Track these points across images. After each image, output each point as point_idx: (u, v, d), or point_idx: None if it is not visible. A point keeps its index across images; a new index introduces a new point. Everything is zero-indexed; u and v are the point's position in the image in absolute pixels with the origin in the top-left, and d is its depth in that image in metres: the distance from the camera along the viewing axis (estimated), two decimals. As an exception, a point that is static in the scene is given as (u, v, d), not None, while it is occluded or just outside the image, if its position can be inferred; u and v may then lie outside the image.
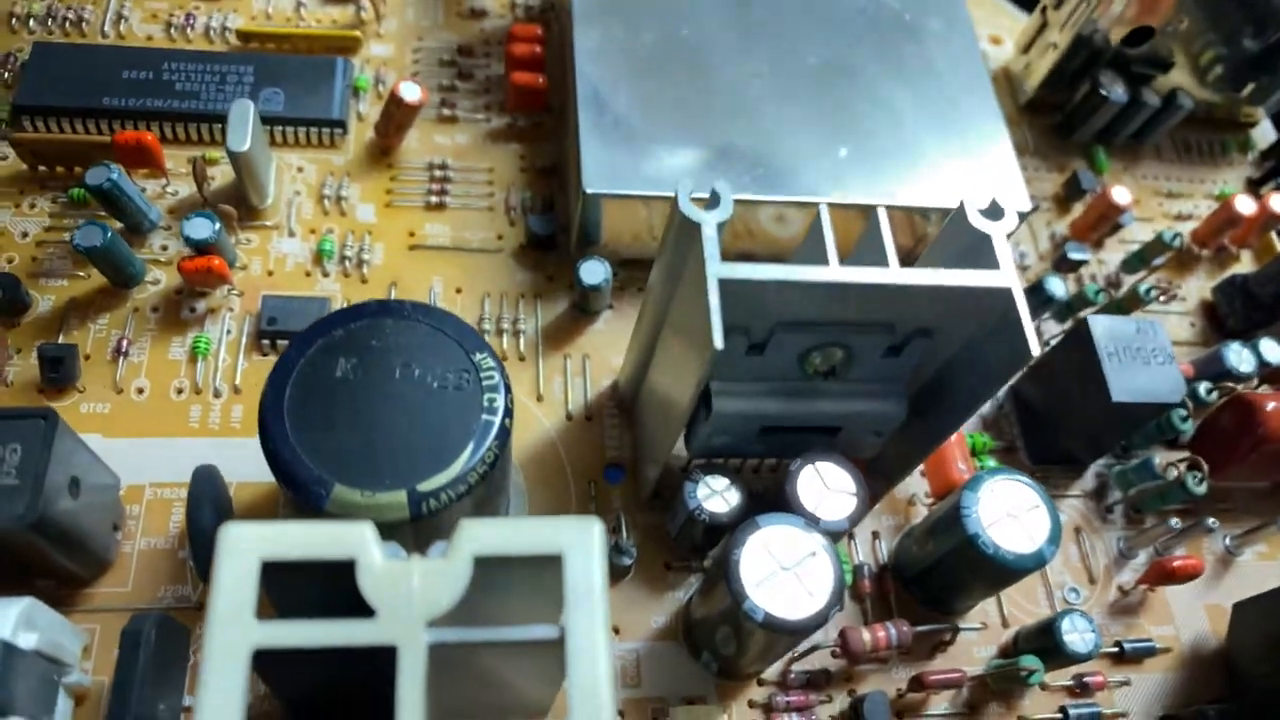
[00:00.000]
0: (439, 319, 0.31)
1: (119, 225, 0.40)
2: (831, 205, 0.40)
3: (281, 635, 0.22)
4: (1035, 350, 0.29)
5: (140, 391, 0.38)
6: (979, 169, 0.42)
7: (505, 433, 0.30)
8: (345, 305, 0.40)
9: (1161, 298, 0.47)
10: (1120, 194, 0.46)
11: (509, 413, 0.30)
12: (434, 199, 0.43)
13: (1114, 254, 0.48)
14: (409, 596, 0.22)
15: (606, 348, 0.41)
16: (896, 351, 0.33)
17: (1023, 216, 0.42)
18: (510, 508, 0.37)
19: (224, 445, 0.37)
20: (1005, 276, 0.30)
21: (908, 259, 0.44)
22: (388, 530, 0.29)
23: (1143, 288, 0.43)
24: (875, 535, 0.39)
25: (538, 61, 0.45)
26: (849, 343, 0.32)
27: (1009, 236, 0.31)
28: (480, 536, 0.23)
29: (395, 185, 0.44)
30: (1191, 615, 0.40)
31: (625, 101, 0.41)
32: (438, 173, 0.44)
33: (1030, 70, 0.51)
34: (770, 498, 0.35)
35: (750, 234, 0.43)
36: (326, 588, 0.23)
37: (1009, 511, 0.34)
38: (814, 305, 0.30)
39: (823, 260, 0.30)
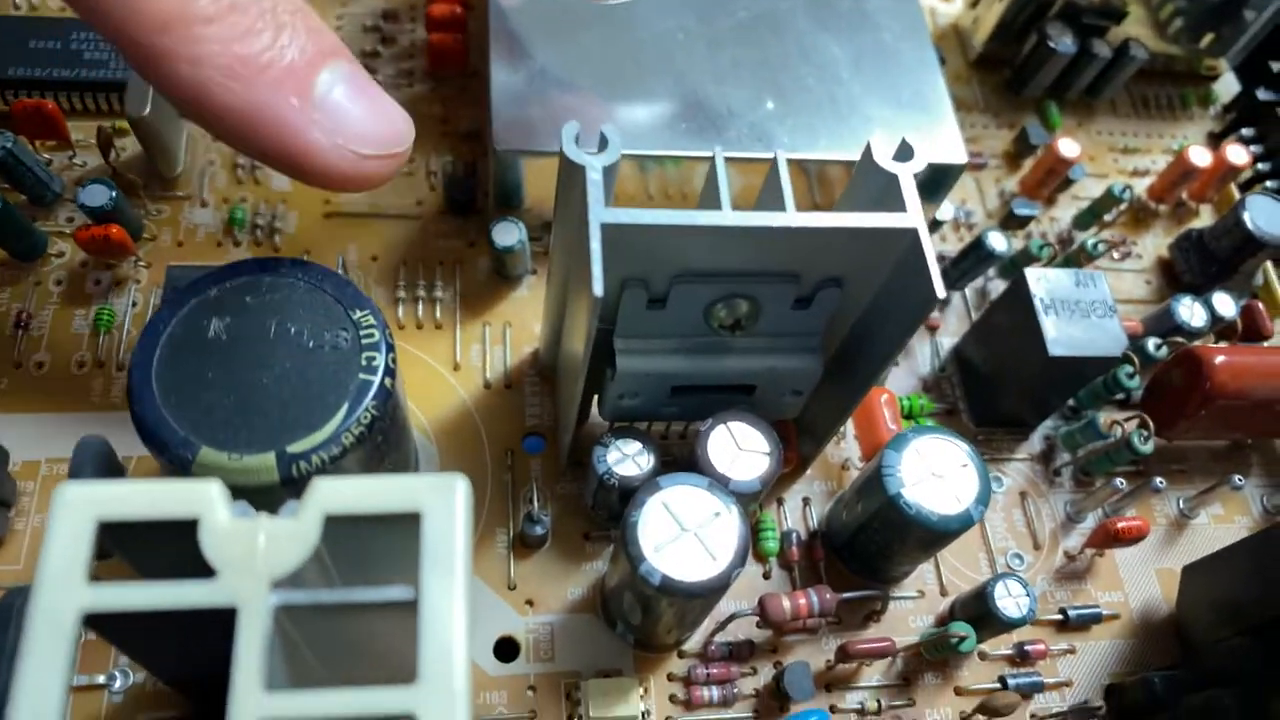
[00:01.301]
0: (317, 276, 0.30)
1: (22, 197, 0.39)
2: (747, 160, 0.38)
3: (113, 598, 0.20)
4: (940, 292, 0.27)
5: (40, 365, 0.36)
6: (915, 120, 0.41)
7: (385, 393, 0.28)
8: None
9: (1115, 253, 0.45)
10: (1068, 147, 0.44)
11: (390, 372, 0.29)
12: (352, 166, 0.42)
13: (1066, 210, 0.47)
14: (253, 556, 0.21)
15: (529, 314, 0.40)
16: (806, 303, 0.31)
17: (960, 170, 0.40)
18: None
19: (124, 420, 0.36)
20: (910, 217, 0.28)
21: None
22: (262, 495, 0.28)
23: (1090, 242, 0.42)
24: (806, 501, 0.38)
25: (458, 22, 0.44)
26: (754, 294, 0.30)
27: (929, 184, 0.30)
28: (332, 494, 0.22)
29: (312, 152, 0.42)
30: (1142, 580, 0.38)
31: (543, 55, 0.40)
32: (356, 139, 0.43)
33: (979, 24, 0.49)
34: (686, 461, 0.34)
35: (684, 197, 0.41)
36: (183, 551, 0.21)
37: (934, 471, 0.33)
38: (710, 253, 0.29)
39: (716, 206, 0.29)
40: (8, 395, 0.36)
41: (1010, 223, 0.45)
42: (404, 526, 0.21)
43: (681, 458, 0.35)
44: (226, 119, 0.25)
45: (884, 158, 0.30)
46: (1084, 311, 0.37)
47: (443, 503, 0.21)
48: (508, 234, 0.38)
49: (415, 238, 0.41)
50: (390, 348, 0.29)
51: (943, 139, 0.40)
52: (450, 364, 0.38)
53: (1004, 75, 0.50)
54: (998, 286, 0.44)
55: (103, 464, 0.32)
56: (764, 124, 0.39)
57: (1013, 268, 0.43)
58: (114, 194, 0.36)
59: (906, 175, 0.29)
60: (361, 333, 0.29)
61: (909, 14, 0.44)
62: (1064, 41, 0.46)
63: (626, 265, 0.29)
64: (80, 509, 0.21)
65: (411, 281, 0.40)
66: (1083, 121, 0.50)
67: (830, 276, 0.31)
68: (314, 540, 0.21)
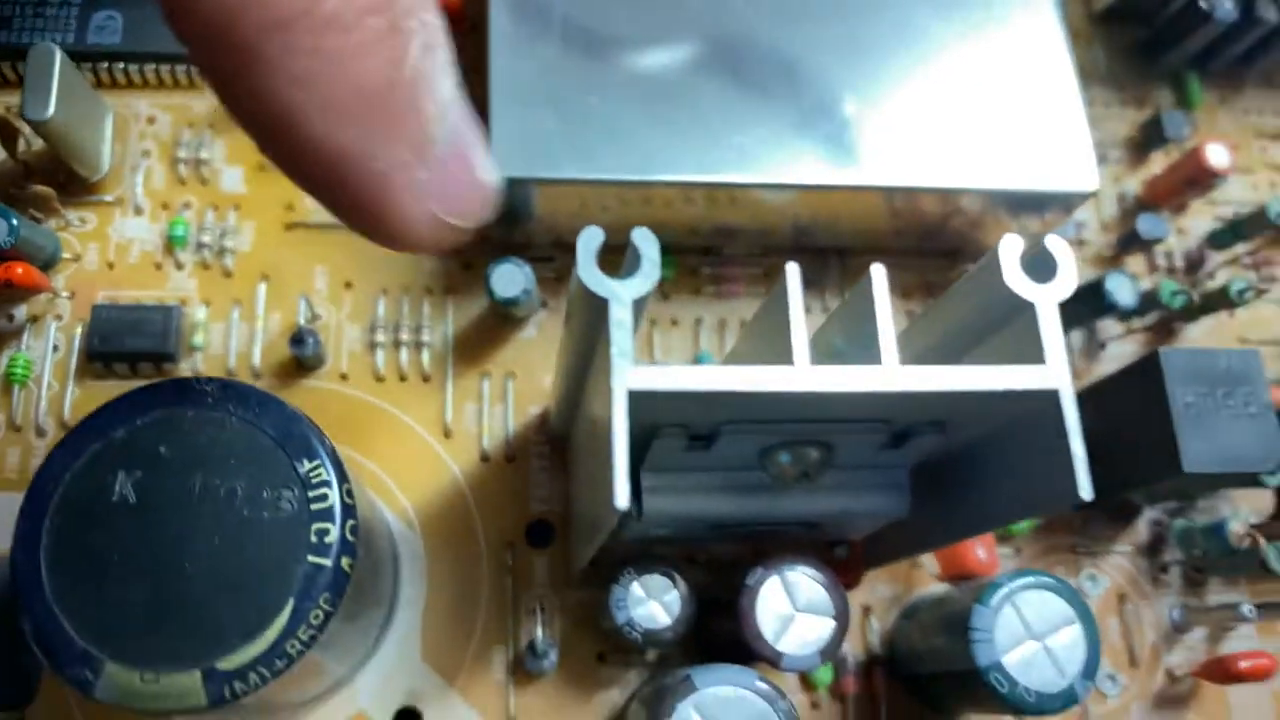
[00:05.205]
0: (254, 408, 0.23)
1: (-91, 205, 0.31)
2: (820, 186, 0.30)
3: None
4: (1087, 495, 0.20)
5: (-59, 431, 0.30)
6: (1028, 119, 0.32)
7: (342, 579, 0.22)
8: (147, 385, 0.24)
9: (1256, 281, 0.37)
10: (1217, 155, 0.35)
11: (349, 549, 0.22)
12: (321, 161, 0.34)
13: (1199, 221, 0.38)
14: None
15: (537, 362, 0.33)
16: (897, 443, 0.24)
17: (1086, 199, 0.32)
18: (398, 583, 0.30)
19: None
20: (1050, 372, 0.21)
21: (936, 235, 0.34)
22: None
23: (1234, 286, 0.33)
24: (867, 611, 0.31)
25: (452, -28, 0.34)
26: (829, 440, 0.23)
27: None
28: None
29: (272, 141, 0.34)
30: (1256, 715, 0.32)
31: (562, 28, 0.31)
32: (326, 124, 0.34)
33: (1112, -31, 0.39)
34: (726, 603, 0.27)
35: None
36: None
37: (1034, 633, 0.26)
38: (775, 410, 0.21)
39: (785, 352, 0.21)
40: (-97, 470, 0.29)
41: (1131, 243, 0.36)
42: None
43: (722, 598, 0.28)
44: (306, 163, 0.18)
45: (1015, 273, 0.22)
46: (1233, 410, 0.29)
47: None
48: (510, 282, 0.30)
49: (398, 257, 0.33)
50: (350, 512, 0.22)
51: (1068, 154, 0.32)
52: (440, 429, 0.32)
53: (1136, 36, 0.40)
54: (1108, 328, 0.36)
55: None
56: (841, 133, 0.31)
57: (1136, 316, 0.35)
58: (14, 223, 0.29)
59: (1049, 305, 0.21)
60: (311, 493, 0.22)
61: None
62: (1224, 6, 0.36)
63: (659, 414, 0.22)
64: None
65: (393, 318, 0.32)
66: (1227, 97, 0.40)
67: (931, 421, 0.23)
68: None
